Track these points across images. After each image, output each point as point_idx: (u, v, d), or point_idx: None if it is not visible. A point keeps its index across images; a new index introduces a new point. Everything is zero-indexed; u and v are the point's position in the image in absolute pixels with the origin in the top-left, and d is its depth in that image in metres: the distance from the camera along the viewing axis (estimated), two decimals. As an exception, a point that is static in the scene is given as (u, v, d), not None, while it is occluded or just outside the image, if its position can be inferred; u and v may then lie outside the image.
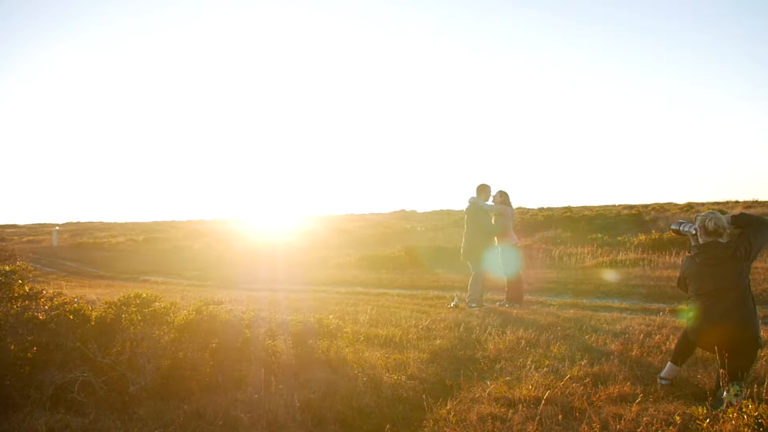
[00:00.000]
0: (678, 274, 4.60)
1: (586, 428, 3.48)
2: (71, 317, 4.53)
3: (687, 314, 4.44)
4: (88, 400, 4.23)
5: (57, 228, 52.96)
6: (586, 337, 5.99)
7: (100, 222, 78.61)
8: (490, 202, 8.81)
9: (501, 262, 8.66)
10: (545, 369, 4.85)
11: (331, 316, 6.55)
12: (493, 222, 8.72)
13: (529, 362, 5.05)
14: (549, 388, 4.24)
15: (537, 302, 9.08)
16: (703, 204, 39.05)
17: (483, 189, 8.79)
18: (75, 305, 4.69)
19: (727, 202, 38.33)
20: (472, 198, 8.74)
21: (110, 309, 4.73)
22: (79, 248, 33.33)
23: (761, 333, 4.15)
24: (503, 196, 8.76)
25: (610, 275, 11.44)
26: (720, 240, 4.23)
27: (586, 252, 14.97)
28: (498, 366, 5.09)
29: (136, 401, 4.31)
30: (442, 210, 53.58)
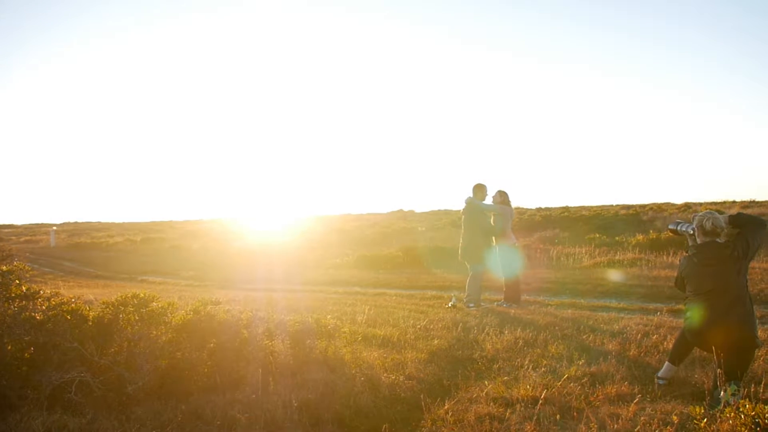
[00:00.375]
0: (676, 274, 4.60)
1: (583, 428, 3.49)
2: (69, 317, 4.52)
3: (685, 314, 4.45)
4: (86, 401, 4.23)
5: (54, 228, 52.88)
6: (584, 337, 5.99)
7: (98, 222, 78.53)
8: (488, 201, 8.81)
9: (501, 262, 8.66)
10: (543, 369, 4.85)
11: (329, 316, 6.56)
12: (492, 222, 8.72)
13: (526, 362, 5.06)
14: (547, 388, 4.25)
15: (535, 302, 9.08)
16: (700, 204, 39.07)
17: (480, 188, 8.78)
18: (72, 305, 4.68)
19: (725, 202, 38.38)
20: (469, 198, 8.74)
21: (108, 309, 4.72)
22: (76, 248, 33.27)
23: (758, 333, 4.16)
24: (503, 196, 8.76)
25: (607, 275, 11.45)
26: (717, 240, 4.24)
27: (584, 252, 14.98)
28: (496, 366, 5.09)
29: (134, 401, 4.30)
30: (440, 210, 53.62)
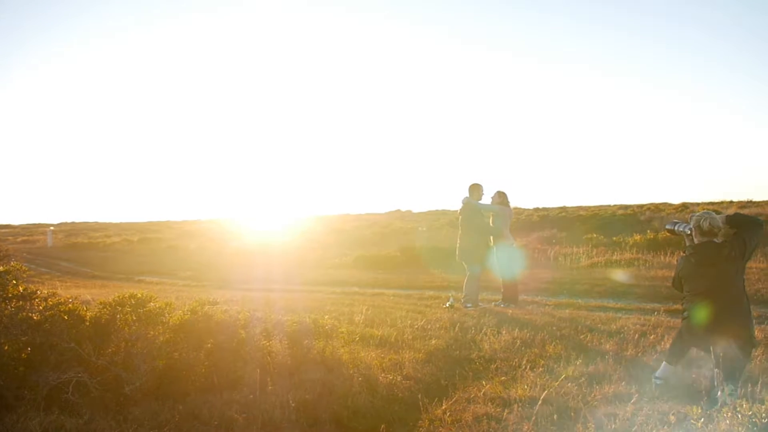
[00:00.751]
0: (673, 274, 4.61)
1: (581, 428, 3.49)
2: (66, 318, 4.51)
3: (682, 314, 4.46)
4: (83, 401, 4.22)
5: (52, 228, 52.71)
6: (582, 336, 6.00)
7: (95, 222, 78.21)
8: (484, 201, 8.80)
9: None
10: (540, 369, 4.86)
11: (326, 317, 6.55)
12: (491, 222, 8.72)
13: (524, 362, 5.06)
14: (544, 388, 4.25)
15: (533, 302, 9.10)
16: (697, 204, 39.15)
17: (475, 188, 8.77)
18: (70, 305, 4.67)
19: (722, 203, 38.46)
20: (466, 198, 8.73)
21: (105, 309, 4.72)
22: (73, 248, 33.20)
23: (755, 332, 4.17)
24: (502, 197, 8.76)
25: (605, 275, 11.47)
26: (715, 240, 4.24)
27: (581, 252, 15.01)
28: (493, 366, 5.10)
29: (131, 402, 4.29)
30: (437, 210, 53.60)
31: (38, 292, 4.98)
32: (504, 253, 8.64)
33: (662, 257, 13.23)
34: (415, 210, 58.17)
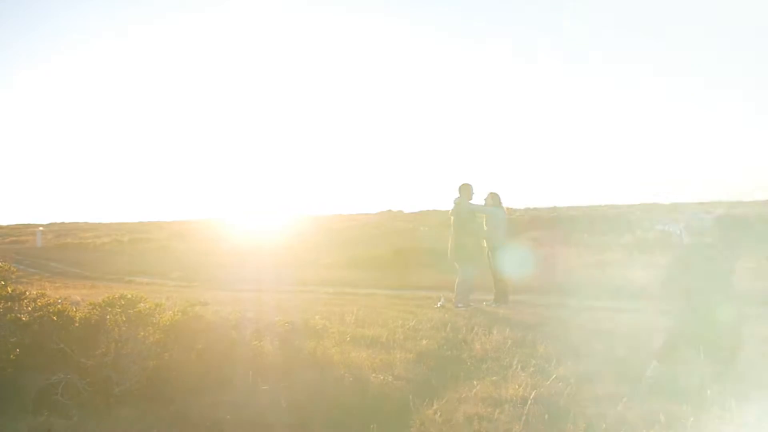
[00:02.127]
0: (663, 274, 4.64)
1: (571, 427, 3.51)
2: (55, 318, 4.48)
3: (672, 313, 4.49)
4: (72, 402, 4.19)
5: (41, 228, 52.20)
6: (573, 336, 6.02)
7: (85, 222, 77.34)
8: (475, 201, 8.82)
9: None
10: (531, 369, 4.87)
11: (317, 317, 6.54)
12: (484, 224, 8.74)
13: (515, 362, 5.07)
14: (535, 388, 4.26)
15: (524, 302, 9.12)
16: (688, 204, 39.41)
17: (465, 188, 8.78)
18: (59, 306, 4.64)
19: (712, 203, 38.71)
20: (458, 199, 8.75)
21: (95, 310, 4.68)
22: (63, 249, 32.95)
23: (744, 331, 4.20)
24: (494, 198, 8.78)
25: (596, 275, 11.51)
26: (705, 240, 4.28)
27: (572, 252, 15.06)
28: (484, 366, 5.11)
29: (121, 403, 4.27)
30: (430, 210, 53.57)
31: (27, 293, 4.95)
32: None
33: (653, 257, 13.31)
34: (407, 210, 58.09)
